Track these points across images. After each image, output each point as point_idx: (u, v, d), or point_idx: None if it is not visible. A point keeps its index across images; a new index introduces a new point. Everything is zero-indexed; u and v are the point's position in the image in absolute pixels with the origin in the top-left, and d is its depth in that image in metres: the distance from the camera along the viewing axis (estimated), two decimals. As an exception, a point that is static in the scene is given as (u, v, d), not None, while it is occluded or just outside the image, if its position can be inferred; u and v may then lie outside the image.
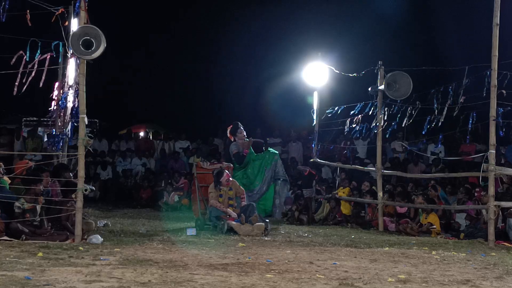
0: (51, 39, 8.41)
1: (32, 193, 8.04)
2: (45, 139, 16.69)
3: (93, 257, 6.40)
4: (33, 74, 8.15)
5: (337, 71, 12.44)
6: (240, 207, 9.77)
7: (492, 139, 8.80)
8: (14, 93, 8.08)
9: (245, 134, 11.09)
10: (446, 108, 10.08)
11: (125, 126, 23.01)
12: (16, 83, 8.12)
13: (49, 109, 9.34)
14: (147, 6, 24.65)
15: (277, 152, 11.63)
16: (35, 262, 5.93)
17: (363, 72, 11.74)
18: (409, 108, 10.99)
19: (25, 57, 8.17)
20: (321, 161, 13.69)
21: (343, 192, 12.89)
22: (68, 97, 8.50)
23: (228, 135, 11.23)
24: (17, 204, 7.87)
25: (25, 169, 8.71)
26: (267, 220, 9.87)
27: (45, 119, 16.26)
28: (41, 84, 8.25)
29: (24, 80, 8.13)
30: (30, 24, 8.14)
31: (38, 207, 8.03)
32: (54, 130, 9.46)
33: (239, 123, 11.16)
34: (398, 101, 11.19)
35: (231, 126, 11.19)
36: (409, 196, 11.43)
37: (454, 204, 11.19)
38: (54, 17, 8.39)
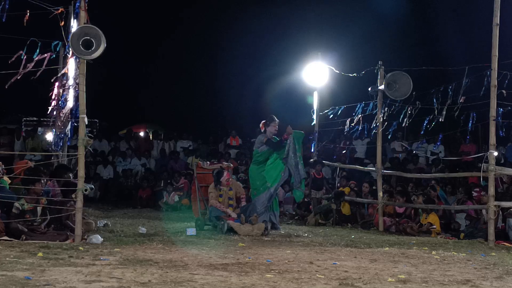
0: (51, 39, 8.40)
1: (32, 194, 8.03)
2: (47, 139, 16.67)
3: (93, 257, 6.39)
4: (29, 68, 8.13)
5: (337, 71, 12.44)
6: (240, 207, 9.77)
7: (492, 139, 8.80)
8: (14, 80, 8.08)
9: (277, 128, 10.70)
10: (445, 108, 10.08)
11: (125, 126, 23.02)
12: (12, 80, 8.12)
13: (49, 108, 9.33)
14: (147, 6, 24.67)
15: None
16: (35, 262, 5.92)
17: (363, 72, 11.73)
18: (409, 108, 10.99)
19: (24, 57, 8.16)
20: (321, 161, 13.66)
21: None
22: (68, 96, 8.50)
23: (261, 125, 10.81)
24: (16, 205, 7.86)
25: (25, 169, 8.71)
26: (267, 220, 9.86)
27: (45, 119, 16.28)
28: (32, 78, 8.23)
29: (19, 77, 8.12)
30: (25, 25, 8.14)
31: (39, 208, 8.02)
32: (54, 130, 9.46)
33: (275, 117, 10.78)
34: (398, 101, 11.18)
35: (267, 119, 10.82)
36: (409, 196, 11.42)
37: (454, 204, 11.20)
38: (59, 19, 8.38)
